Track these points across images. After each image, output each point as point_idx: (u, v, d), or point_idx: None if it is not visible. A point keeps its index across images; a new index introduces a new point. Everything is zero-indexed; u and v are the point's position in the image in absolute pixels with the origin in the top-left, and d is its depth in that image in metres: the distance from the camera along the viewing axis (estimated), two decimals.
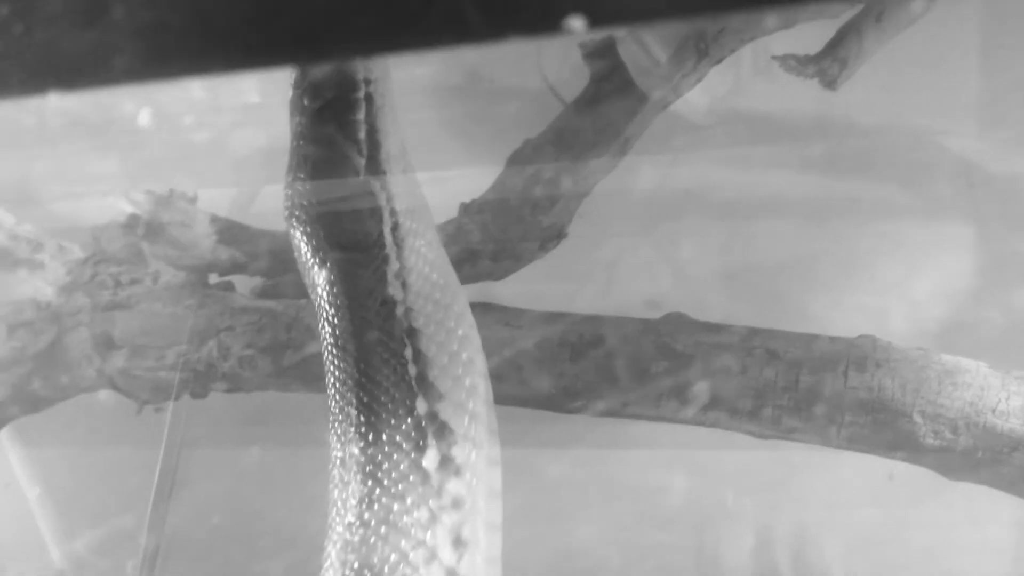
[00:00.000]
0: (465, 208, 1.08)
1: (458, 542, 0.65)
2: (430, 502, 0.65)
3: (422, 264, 0.76)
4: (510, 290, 1.14)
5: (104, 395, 1.23)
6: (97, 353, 1.18)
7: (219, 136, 1.48)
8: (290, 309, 1.08)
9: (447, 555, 0.64)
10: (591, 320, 1.02)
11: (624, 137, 1.02)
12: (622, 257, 1.49)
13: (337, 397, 0.72)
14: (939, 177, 1.39)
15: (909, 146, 1.39)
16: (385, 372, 0.70)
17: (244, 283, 1.19)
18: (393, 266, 0.74)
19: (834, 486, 1.44)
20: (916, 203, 1.42)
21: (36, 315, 1.23)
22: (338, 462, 0.70)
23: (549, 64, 1.37)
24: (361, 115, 0.77)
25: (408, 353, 0.70)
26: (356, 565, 0.65)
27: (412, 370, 0.70)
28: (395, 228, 0.76)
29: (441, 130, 1.45)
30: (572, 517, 1.61)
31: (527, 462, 1.54)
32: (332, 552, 0.67)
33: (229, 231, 1.17)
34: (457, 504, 0.66)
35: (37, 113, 1.50)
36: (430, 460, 0.66)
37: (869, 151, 1.40)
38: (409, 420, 0.68)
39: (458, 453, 0.67)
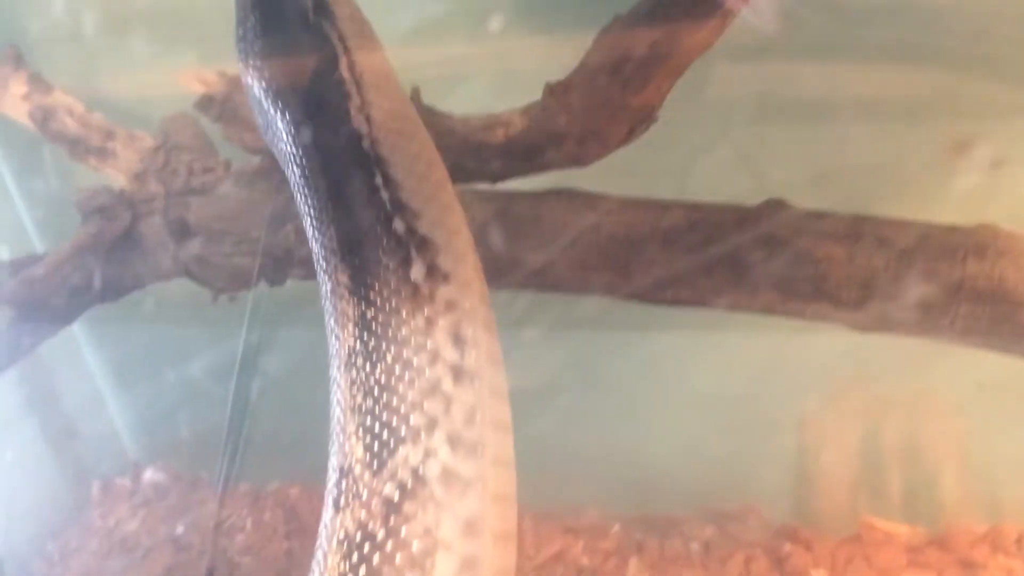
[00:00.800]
0: (550, 89, 1.02)
1: (458, 340, 0.66)
2: (424, 309, 0.66)
3: (382, 97, 0.76)
4: (581, 186, 1.09)
5: (179, 284, 1.22)
6: (172, 239, 1.16)
7: None
8: None
9: (450, 353, 0.65)
10: (684, 207, 0.97)
11: (724, 9, 0.95)
12: (698, 159, 1.43)
13: (317, 235, 0.73)
14: None
15: (1009, 38, 1.30)
16: (359, 201, 0.71)
17: None
18: (355, 101, 0.75)
19: (922, 394, 1.40)
20: (1018, 100, 1.33)
21: (110, 201, 1.21)
22: (328, 293, 0.71)
23: None
24: None
25: (379, 180, 0.72)
26: (362, 378, 0.66)
27: (385, 195, 0.71)
28: (351, 65, 0.77)
29: (516, 15, 1.38)
30: (643, 424, 1.59)
31: (595, 360, 1.52)
32: (337, 375, 0.68)
33: None
34: (451, 306, 0.67)
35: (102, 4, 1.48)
36: (417, 272, 0.68)
37: (966, 44, 1.31)
38: (389, 240, 0.69)
39: (443, 262, 0.69)
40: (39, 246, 1.62)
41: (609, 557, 1.60)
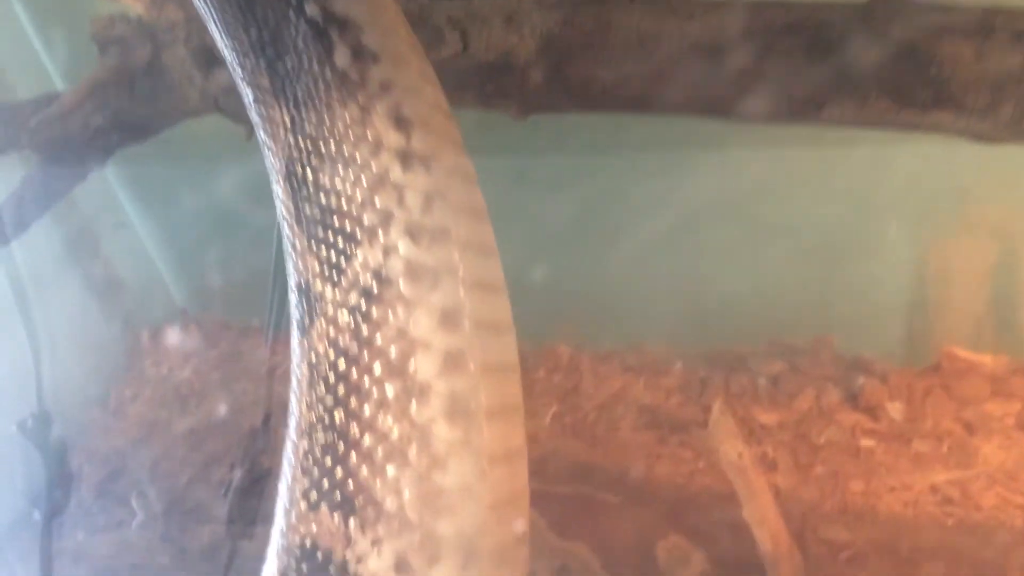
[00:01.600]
0: None
1: (401, 121, 0.59)
2: (358, 96, 0.59)
3: None
4: None
5: (211, 120, 1.12)
6: (198, 70, 1.06)
7: None
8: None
9: (393, 138, 0.59)
10: (781, 6, 0.84)
11: None
12: None
13: (227, 41, 0.64)
14: None
15: None
16: None
17: None
18: None
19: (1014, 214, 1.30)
20: None
21: (127, 32, 1.11)
22: (252, 102, 0.64)
23: None
24: None
25: None
26: (304, 186, 0.60)
27: None
28: None
29: None
30: (706, 253, 1.51)
31: (651, 186, 1.42)
32: (278, 189, 0.62)
33: None
34: (386, 87, 0.60)
35: None
36: (341, 57, 0.60)
37: None
38: (305, 26, 0.61)
39: (369, 41, 0.61)
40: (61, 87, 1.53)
41: (672, 394, 1.55)
